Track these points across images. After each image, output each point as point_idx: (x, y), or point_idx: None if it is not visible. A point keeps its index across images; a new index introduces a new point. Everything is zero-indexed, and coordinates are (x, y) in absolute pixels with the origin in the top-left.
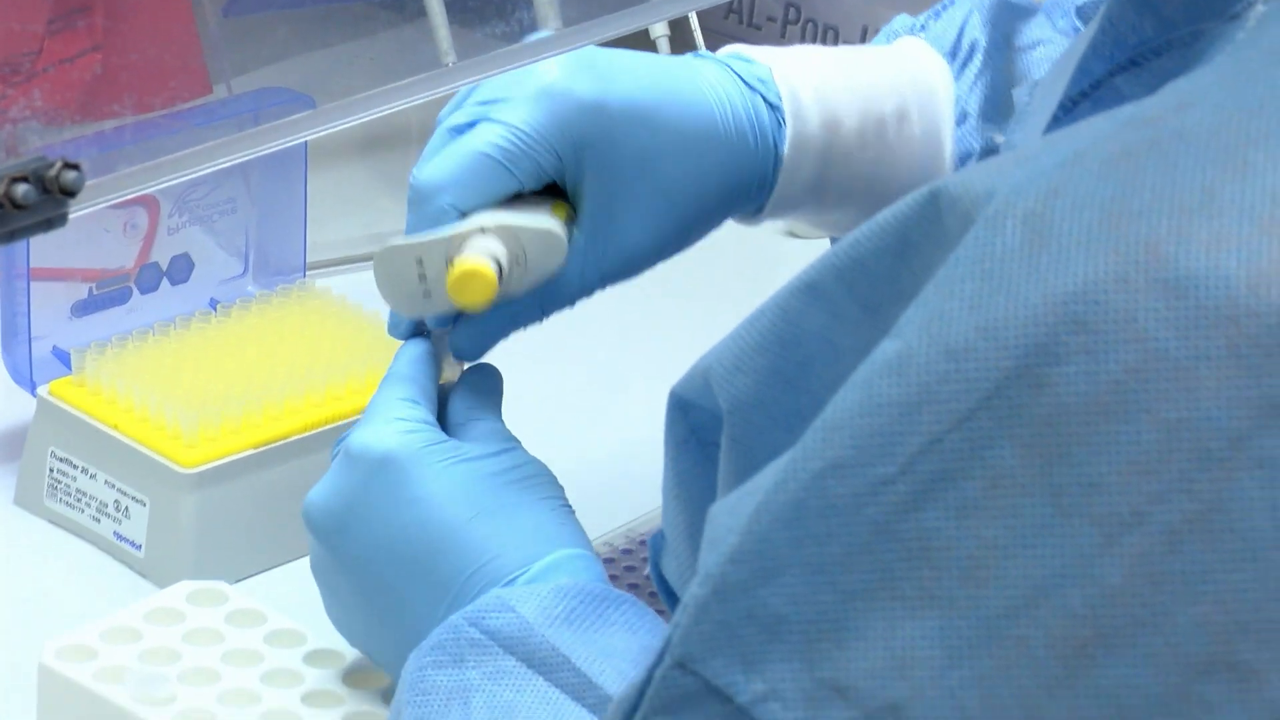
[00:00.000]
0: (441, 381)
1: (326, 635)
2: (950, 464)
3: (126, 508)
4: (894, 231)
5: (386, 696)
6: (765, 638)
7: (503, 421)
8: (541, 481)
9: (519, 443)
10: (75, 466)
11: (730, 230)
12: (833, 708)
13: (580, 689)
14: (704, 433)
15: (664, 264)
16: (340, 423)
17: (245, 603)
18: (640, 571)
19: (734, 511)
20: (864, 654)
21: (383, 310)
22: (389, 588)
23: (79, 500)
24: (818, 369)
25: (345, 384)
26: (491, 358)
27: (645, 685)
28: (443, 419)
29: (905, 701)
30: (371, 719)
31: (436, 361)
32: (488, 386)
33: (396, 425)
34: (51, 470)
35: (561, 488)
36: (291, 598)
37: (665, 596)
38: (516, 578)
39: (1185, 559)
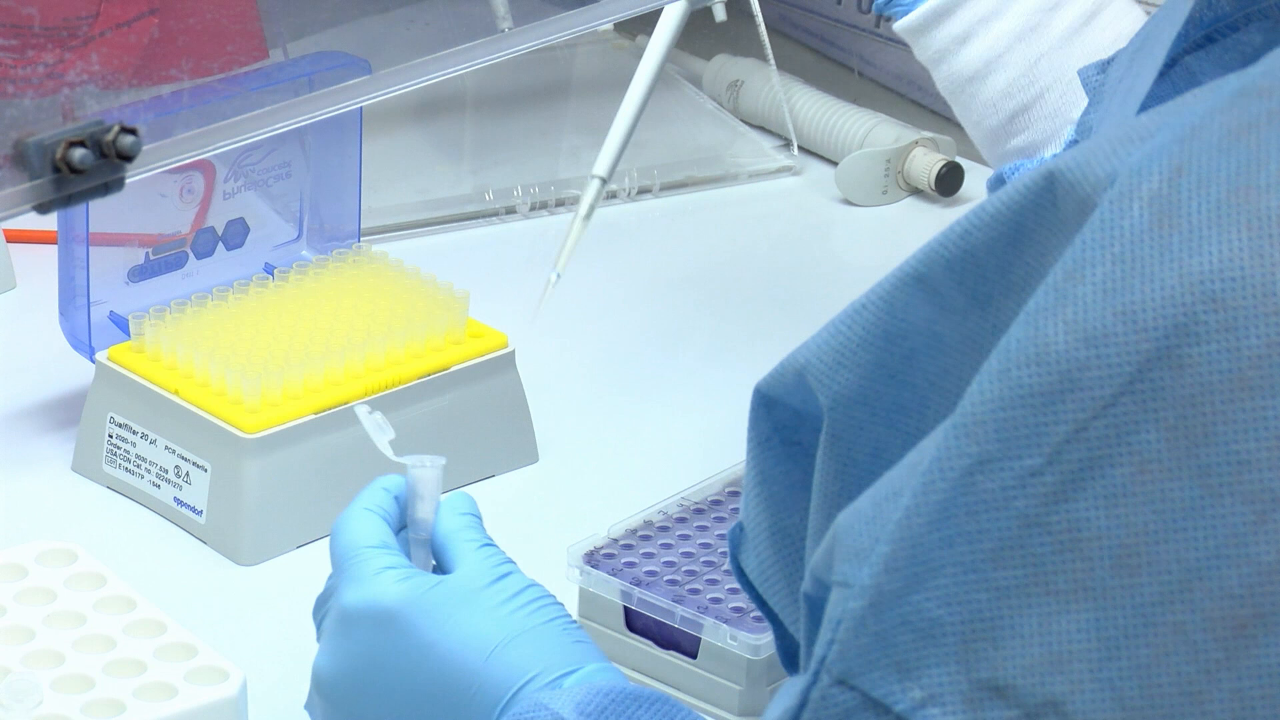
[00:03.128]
0: (421, 513)
1: (165, 606)
2: (1097, 451)
3: (187, 473)
4: (1008, 220)
5: (194, 674)
6: (921, 643)
7: (495, 544)
8: (546, 604)
9: (515, 564)
10: (135, 432)
11: (774, 222)
12: (992, 708)
13: None
14: (788, 431)
15: (707, 255)
16: (400, 387)
17: (91, 566)
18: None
19: (876, 520)
20: (1020, 651)
21: (439, 273)
22: None
23: (138, 466)
24: (922, 362)
25: (404, 349)
26: (544, 345)
27: (800, 708)
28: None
29: (1065, 696)
30: (164, 691)
31: (415, 490)
32: (470, 509)
33: (387, 577)
34: (110, 436)
35: (562, 604)
36: None
37: (744, 586)
38: None
39: None
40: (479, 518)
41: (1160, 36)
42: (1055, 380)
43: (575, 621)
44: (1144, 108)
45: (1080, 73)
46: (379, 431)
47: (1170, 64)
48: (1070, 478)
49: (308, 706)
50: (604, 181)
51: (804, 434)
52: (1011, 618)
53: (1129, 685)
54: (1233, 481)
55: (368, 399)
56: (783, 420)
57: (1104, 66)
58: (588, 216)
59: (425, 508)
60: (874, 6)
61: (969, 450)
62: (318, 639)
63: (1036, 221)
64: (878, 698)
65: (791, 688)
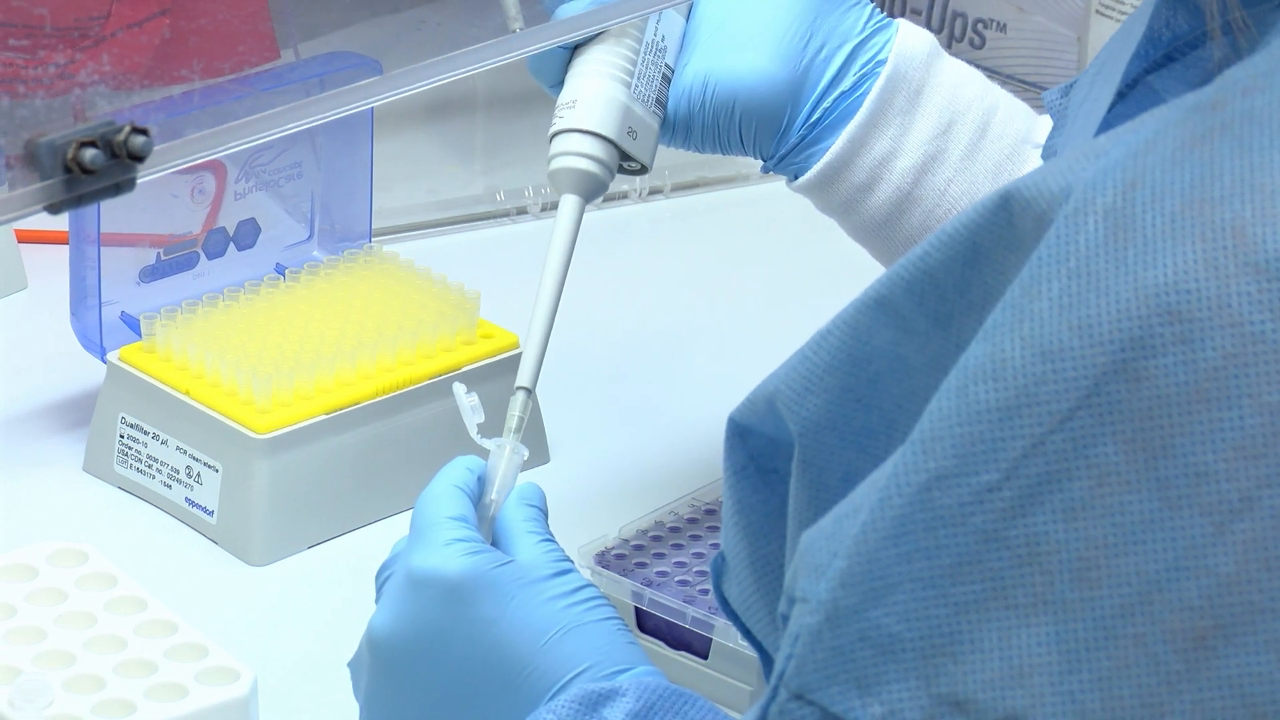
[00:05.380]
0: (493, 496)
1: (176, 606)
2: (1054, 465)
3: (199, 474)
4: (965, 240)
5: (205, 674)
6: (880, 658)
7: (554, 539)
8: (602, 604)
9: (572, 562)
10: (146, 433)
11: (785, 223)
12: None
13: None
14: (762, 459)
15: (718, 255)
16: (412, 387)
17: (102, 566)
18: (705, 540)
19: (835, 535)
20: (980, 666)
21: (450, 274)
22: (469, 708)
23: (150, 466)
24: (888, 385)
25: (415, 349)
26: (555, 345)
27: None
28: (495, 529)
29: (1025, 710)
30: (175, 691)
31: (490, 475)
32: (536, 500)
33: (458, 548)
34: (122, 436)
35: (615, 607)
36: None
37: (728, 615)
38: None
39: None
40: (544, 512)
41: (1118, 57)
42: (1012, 395)
43: (625, 625)
44: (1106, 126)
45: (1044, 97)
46: (471, 413)
47: (1133, 83)
48: (1028, 492)
49: (352, 664)
50: (529, 393)
51: (778, 462)
52: (971, 632)
53: (1090, 698)
54: (1191, 493)
55: (376, 400)
56: (757, 449)
57: (1066, 90)
58: (518, 430)
59: (497, 492)
60: (762, 169)
61: (926, 466)
62: (376, 600)
63: (993, 240)
64: (837, 713)
65: (754, 706)
